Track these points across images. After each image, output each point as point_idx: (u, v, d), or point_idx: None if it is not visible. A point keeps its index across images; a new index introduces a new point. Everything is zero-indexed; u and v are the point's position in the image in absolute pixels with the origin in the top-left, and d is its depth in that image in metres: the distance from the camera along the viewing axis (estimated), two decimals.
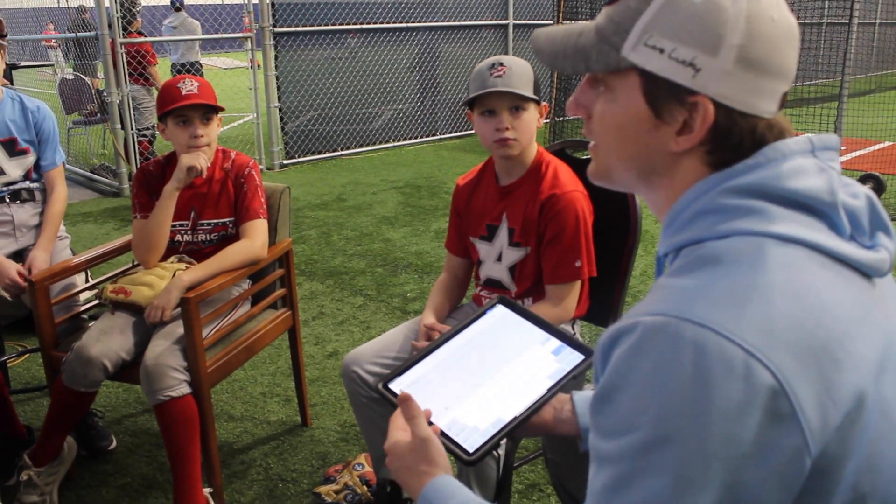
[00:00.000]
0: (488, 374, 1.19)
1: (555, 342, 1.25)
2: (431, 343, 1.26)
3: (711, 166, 0.86)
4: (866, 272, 0.82)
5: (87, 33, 6.77)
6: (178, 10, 8.51)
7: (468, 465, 1.08)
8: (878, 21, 13.58)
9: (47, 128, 2.80)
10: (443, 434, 1.10)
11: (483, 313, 1.32)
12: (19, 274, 2.52)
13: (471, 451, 1.08)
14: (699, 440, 0.71)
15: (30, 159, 2.76)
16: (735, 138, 0.84)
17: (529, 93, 1.89)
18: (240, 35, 7.59)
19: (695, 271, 0.79)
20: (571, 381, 1.19)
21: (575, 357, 1.22)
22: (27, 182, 2.77)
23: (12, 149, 2.72)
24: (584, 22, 0.91)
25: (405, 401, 1.08)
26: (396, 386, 1.18)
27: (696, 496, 0.71)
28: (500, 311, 1.33)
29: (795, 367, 0.72)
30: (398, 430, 1.08)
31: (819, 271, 0.79)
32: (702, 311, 0.74)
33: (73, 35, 6.84)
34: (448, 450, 1.08)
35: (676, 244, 0.86)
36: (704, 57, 0.81)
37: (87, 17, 7.41)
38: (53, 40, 10.79)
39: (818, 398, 0.72)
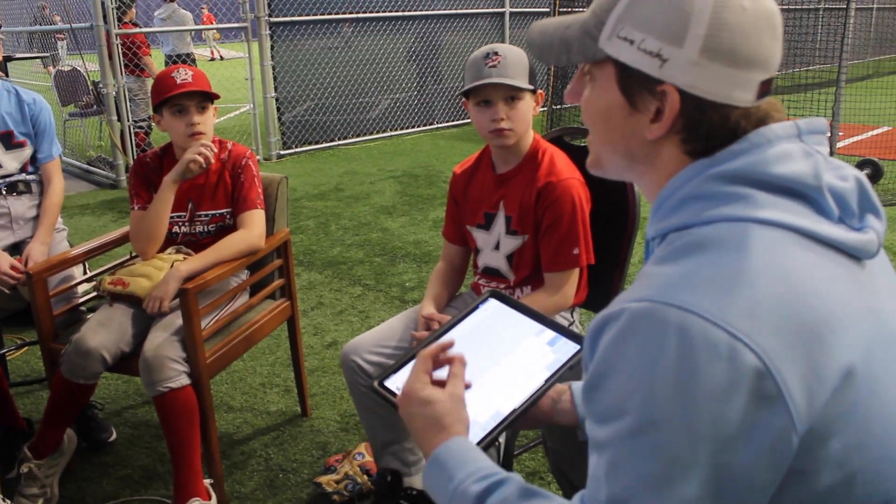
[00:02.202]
0: (485, 368, 1.19)
1: (549, 333, 1.25)
2: (424, 340, 1.25)
3: (689, 155, 0.87)
4: (854, 254, 0.83)
5: (48, 27, 6.73)
6: (170, 0, 8.44)
7: None
8: (875, 6, 13.55)
9: (44, 120, 2.79)
10: None
11: (475, 307, 1.32)
12: (14, 267, 2.51)
13: None
14: (686, 422, 0.72)
15: (26, 152, 2.75)
16: (705, 127, 0.85)
17: (524, 82, 1.88)
18: (235, 25, 7.53)
19: (680, 258, 0.81)
20: (568, 372, 1.19)
21: (570, 347, 1.22)
22: (24, 174, 2.76)
23: (9, 142, 2.71)
24: (575, 15, 0.93)
25: (457, 360, 1.07)
26: (392, 383, 1.18)
27: (685, 477, 0.73)
28: (493, 304, 1.32)
29: (780, 348, 0.73)
30: (427, 385, 1.04)
31: (804, 254, 0.80)
32: (686, 296, 0.75)
33: (67, 27, 6.80)
34: None
35: (663, 230, 0.87)
36: (670, 48, 0.83)
37: (47, 12, 7.44)
38: (61, 32, 10.74)
39: (804, 378, 0.73)
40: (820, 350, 0.74)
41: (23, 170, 2.75)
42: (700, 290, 0.75)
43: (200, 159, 2.26)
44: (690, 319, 0.73)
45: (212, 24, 13.01)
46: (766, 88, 0.85)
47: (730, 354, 0.72)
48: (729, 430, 0.72)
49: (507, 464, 1.78)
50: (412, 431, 1.04)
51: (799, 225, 0.80)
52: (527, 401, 1.13)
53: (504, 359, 1.21)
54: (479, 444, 1.07)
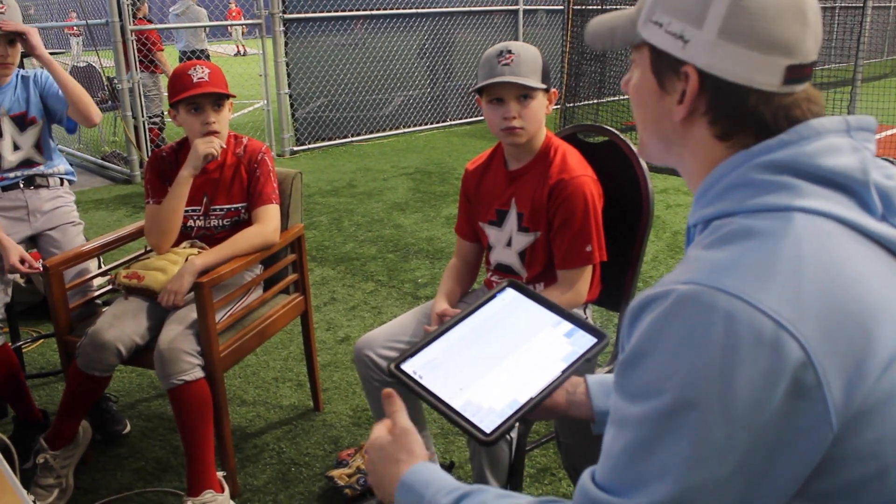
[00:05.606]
0: (501, 357, 1.19)
1: (567, 325, 1.25)
2: (442, 325, 1.26)
3: (719, 139, 0.88)
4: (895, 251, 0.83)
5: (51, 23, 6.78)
6: None
7: (485, 445, 1.08)
8: (892, 5, 13.43)
9: (52, 84, 2.80)
10: (459, 415, 1.10)
11: (493, 296, 1.32)
12: (23, 260, 2.53)
13: (488, 431, 1.08)
14: (724, 406, 0.73)
15: (38, 127, 2.78)
16: (726, 109, 0.86)
17: (537, 81, 1.88)
18: (249, 22, 7.56)
19: (727, 244, 0.81)
20: (584, 364, 1.19)
21: (587, 340, 1.22)
22: (42, 168, 2.79)
23: (23, 122, 2.75)
24: (632, 8, 0.97)
25: (388, 396, 1.09)
26: (409, 367, 1.18)
27: (717, 461, 0.73)
28: (511, 294, 1.33)
29: (824, 338, 0.73)
30: (379, 428, 1.08)
31: (849, 245, 0.80)
32: (734, 282, 0.76)
33: (83, 23, 6.84)
34: (465, 430, 1.08)
35: (707, 216, 0.88)
36: (691, 29, 0.86)
37: (32, 12, 7.53)
38: (75, 28, 10.86)
39: (844, 370, 0.74)
40: (864, 341, 0.75)
41: (37, 148, 2.77)
42: (748, 277, 0.76)
43: (215, 150, 2.29)
44: (738, 305, 0.74)
45: (240, 19, 13.08)
46: (796, 74, 0.85)
47: (774, 342, 0.72)
48: (766, 418, 0.72)
49: (518, 459, 1.78)
50: (375, 481, 1.05)
51: (844, 216, 0.80)
52: (543, 390, 1.14)
53: (521, 348, 1.21)
54: (495, 431, 1.08)
